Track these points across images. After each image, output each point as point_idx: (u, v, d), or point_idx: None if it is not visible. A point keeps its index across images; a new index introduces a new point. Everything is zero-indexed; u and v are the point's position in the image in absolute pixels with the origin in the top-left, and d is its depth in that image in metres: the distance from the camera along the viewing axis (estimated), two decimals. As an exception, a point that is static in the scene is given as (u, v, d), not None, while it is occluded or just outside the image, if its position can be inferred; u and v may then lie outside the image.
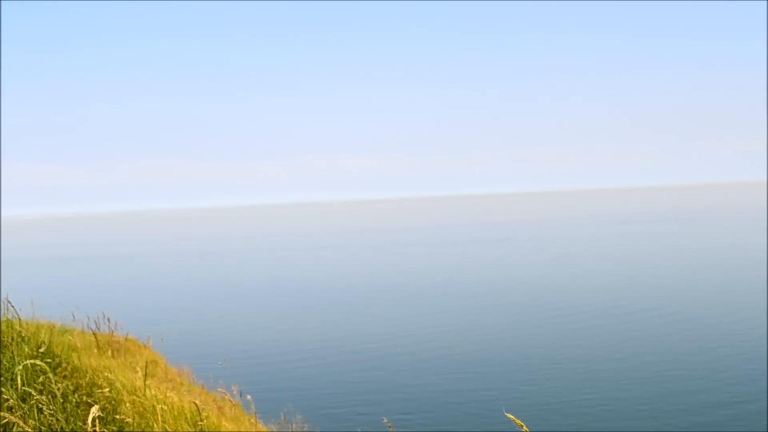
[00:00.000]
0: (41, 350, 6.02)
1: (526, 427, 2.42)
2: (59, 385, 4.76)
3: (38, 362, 4.93)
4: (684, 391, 19.53)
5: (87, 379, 5.53)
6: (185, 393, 8.83)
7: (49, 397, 4.58)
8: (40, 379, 4.84)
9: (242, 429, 7.47)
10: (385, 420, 5.10)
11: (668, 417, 17.50)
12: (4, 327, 6.69)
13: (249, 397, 7.11)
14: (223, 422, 6.04)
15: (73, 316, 12.76)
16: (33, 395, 4.55)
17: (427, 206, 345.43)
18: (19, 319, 7.09)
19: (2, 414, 4.04)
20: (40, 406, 4.49)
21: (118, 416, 4.65)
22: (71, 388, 5.08)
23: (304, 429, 12.34)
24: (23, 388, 4.71)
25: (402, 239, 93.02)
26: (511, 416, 2.42)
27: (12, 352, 5.69)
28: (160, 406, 4.93)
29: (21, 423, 3.86)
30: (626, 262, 52.86)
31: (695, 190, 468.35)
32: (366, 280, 49.93)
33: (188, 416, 5.19)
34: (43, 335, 6.90)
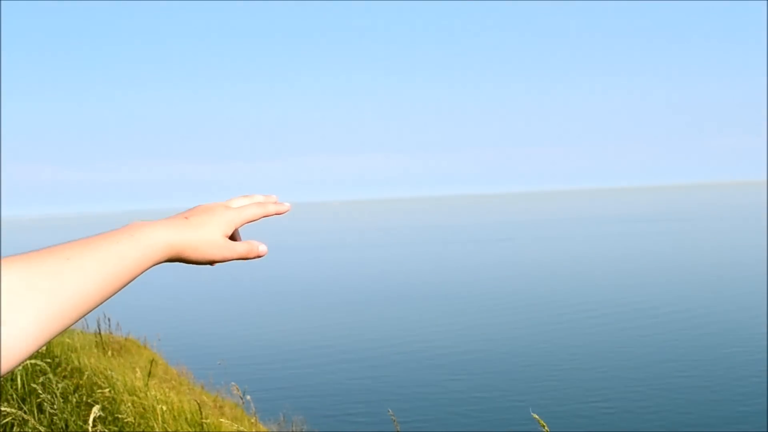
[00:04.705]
0: (41, 350, 6.03)
1: (530, 403, 2.44)
2: (59, 385, 4.78)
3: (38, 362, 4.94)
4: (685, 393, 19.55)
5: (87, 379, 5.55)
6: (185, 393, 8.84)
7: (50, 396, 4.59)
8: (41, 380, 4.85)
9: (242, 429, 7.48)
10: (390, 412, 5.10)
11: (669, 417, 17.52)
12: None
13: (249, 397, 7.12)
14: (223, 422, 6.05)
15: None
16: (36, 394, 4.56)
17: (427, 206, 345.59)
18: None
19: (4, 410, 4.05)
20: (41, 405, 4.50)
21: (119, 415, 4.67)
22: (71, 388, 5.09)
23: (304, 429, 12.36)
24: (24, 388, 4.72)
25: (402, 239, 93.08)
26: (537, 417, 2.44)
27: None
28: (160, 406, 4.94)
29: (20, 423, 3.86)
30: (627, 262, 52.93)
31: (695, 190, 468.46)
32: (366, 279, 49.97)
33: (188, 416, 5.21)
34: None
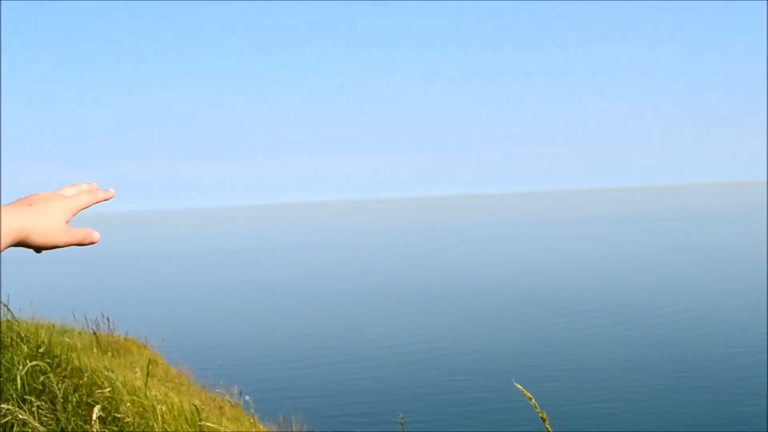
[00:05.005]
0: (41, 350, 6.03)
1: (530, 404, 2.44)
2: (60, 385, 4.77)
3: (39, 363, 4.94)
4: (685, 393, 19.54)
5: (87, 379, 5.54)
6: (185, 393, 8.84)
7: (50, 397, 4.58)
8: (41, 380, 4.85)
9: (242, 429, 7.48)
10: (400, 416, 5.12)
11: (669, 417, 17.51)
12: (4, 327, 6.70)
13: (248, 397, 7.12)
14: (224, 422, 6.05)
15: (74, 315, 12.78)
16: (37, 394, 4.55)
17: (427, 206, 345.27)
18: (17, 320, 7.10)
19: (4, 408, 4.04)
20: (41, 405, 4.49)
21: (119, 415, 4.66)
22: (71, 388, 5.08)
23: (304, 429, 12.35)
24: (24, 388, 4.72)
25: (402, 239, 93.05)
26: (520, 387, 2.44)
27: (12, 354, 5.69)
28: (160, 406, 4.94)
29: (20, 423, 3.86)
30: (627, 262, 52.91)
31: (695, 190, 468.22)
32: (366, 279, 49.95)
33: (188, 416, 5.20)
34: (42, 335, 6.91)
